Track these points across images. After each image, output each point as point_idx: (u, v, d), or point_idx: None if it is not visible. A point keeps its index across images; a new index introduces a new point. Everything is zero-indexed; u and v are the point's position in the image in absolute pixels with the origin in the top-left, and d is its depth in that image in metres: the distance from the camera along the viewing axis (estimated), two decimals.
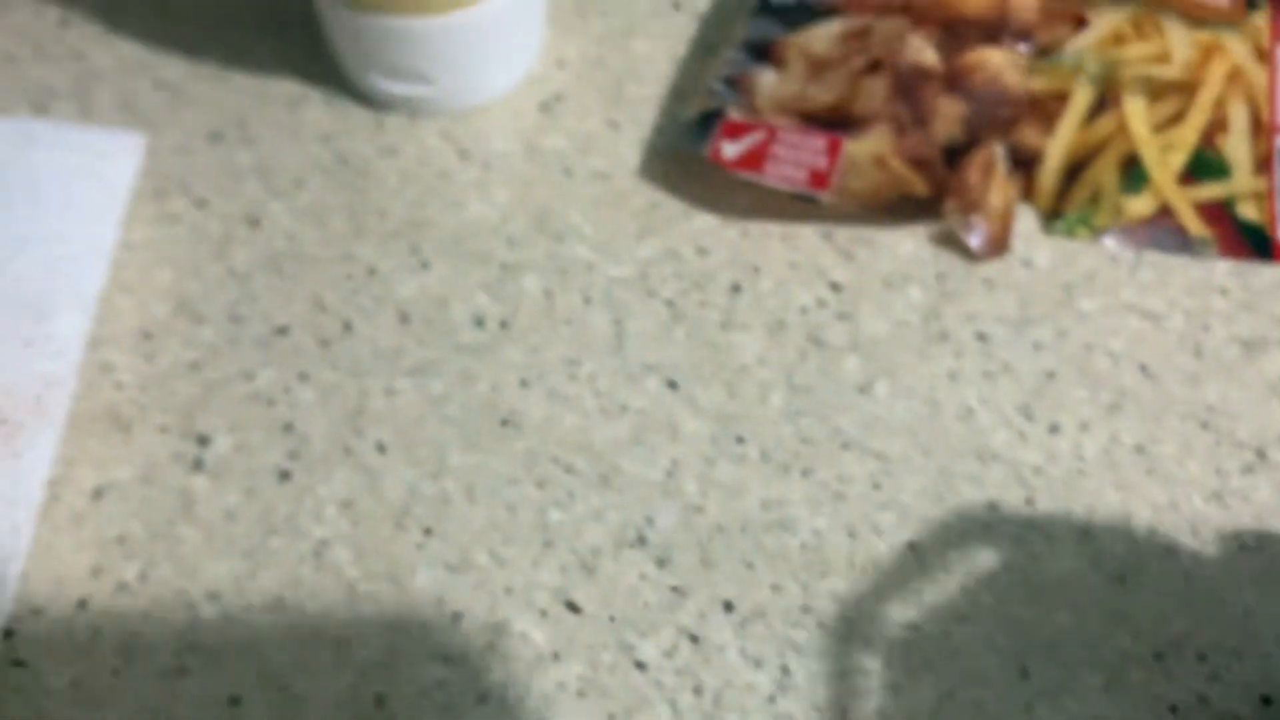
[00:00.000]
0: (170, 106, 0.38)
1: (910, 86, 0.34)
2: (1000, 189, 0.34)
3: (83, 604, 0.29)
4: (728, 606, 0.29)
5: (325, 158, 0.37)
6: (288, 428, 0.32)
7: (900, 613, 0.29)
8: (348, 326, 0.34)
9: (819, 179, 0.34)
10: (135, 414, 0.32)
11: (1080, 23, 0.39)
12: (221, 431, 0.32)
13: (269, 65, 0.39)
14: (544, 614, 0.29)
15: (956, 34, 0.34)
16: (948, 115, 0.34)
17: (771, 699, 0.28)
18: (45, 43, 0.39)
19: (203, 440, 0.32)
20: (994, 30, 0.34)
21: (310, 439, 0.32)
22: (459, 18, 0.34)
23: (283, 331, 0.34)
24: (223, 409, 0.32)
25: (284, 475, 0.31)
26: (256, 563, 0.30)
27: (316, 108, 0.38)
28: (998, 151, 0.34)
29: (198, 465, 0.31)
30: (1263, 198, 0.36)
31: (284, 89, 0.39)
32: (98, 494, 0.31)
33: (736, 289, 0.34)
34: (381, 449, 0.32)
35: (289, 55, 0.39)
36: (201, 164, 0.37)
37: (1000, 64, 0.34)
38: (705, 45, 0.40)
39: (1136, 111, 0.38)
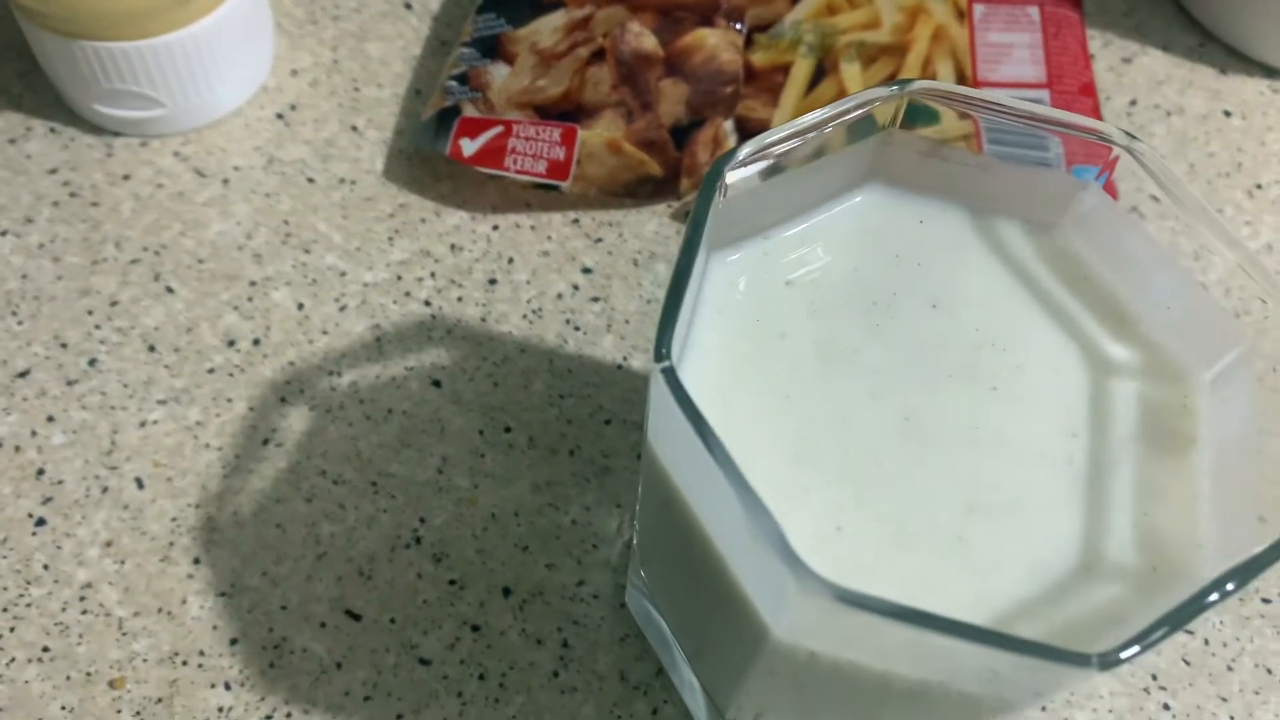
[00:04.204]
0: None
1: (634, 73, 0.35)
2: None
3: None
4: (505, 591, 0.30)
5: (54, 191, 0.36)
6: (39, 473, 0.31)
7: None
8: (93, 362, 0.33)
9: (558, 169, 0.35)
10: None
11: None
12: None
13: None
14: (323, 626, 0.29)
15: (673, 18, 0.36)
16: (671, 97, 0.35)
17: (555, 674, 0.29)
18: None
19: None
20: (708, 12, 0.36)
21: (65, 482, 0.31)
22: (176, 37, 0.34)
23: (24, 375, 0.32)
24: None
25: (39, 522, 0.30)
26: (16, 616, 0.29)
27: (41, 140, 0.37)
28: (725, 127, 0.36)
29: None
30: (970, 137, 0.39)
31: (4, 122, 0.37)
32: None
33: (493, 282, 0.35)
34: (140, 483, 0.31)
35: (7, 88, 0.38)
36: None
37: (716, 44, 0.36)
38: (439, 44, 0.40)
39: (853, 76, 0.40)
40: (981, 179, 0.25)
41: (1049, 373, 0.23)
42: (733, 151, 0.21)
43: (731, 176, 0.21)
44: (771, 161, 0.22)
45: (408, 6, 0.41)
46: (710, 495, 0.19)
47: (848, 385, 0.22)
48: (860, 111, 0.23)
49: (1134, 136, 0.23)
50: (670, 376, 0.19)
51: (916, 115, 0.39)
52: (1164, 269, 0.23)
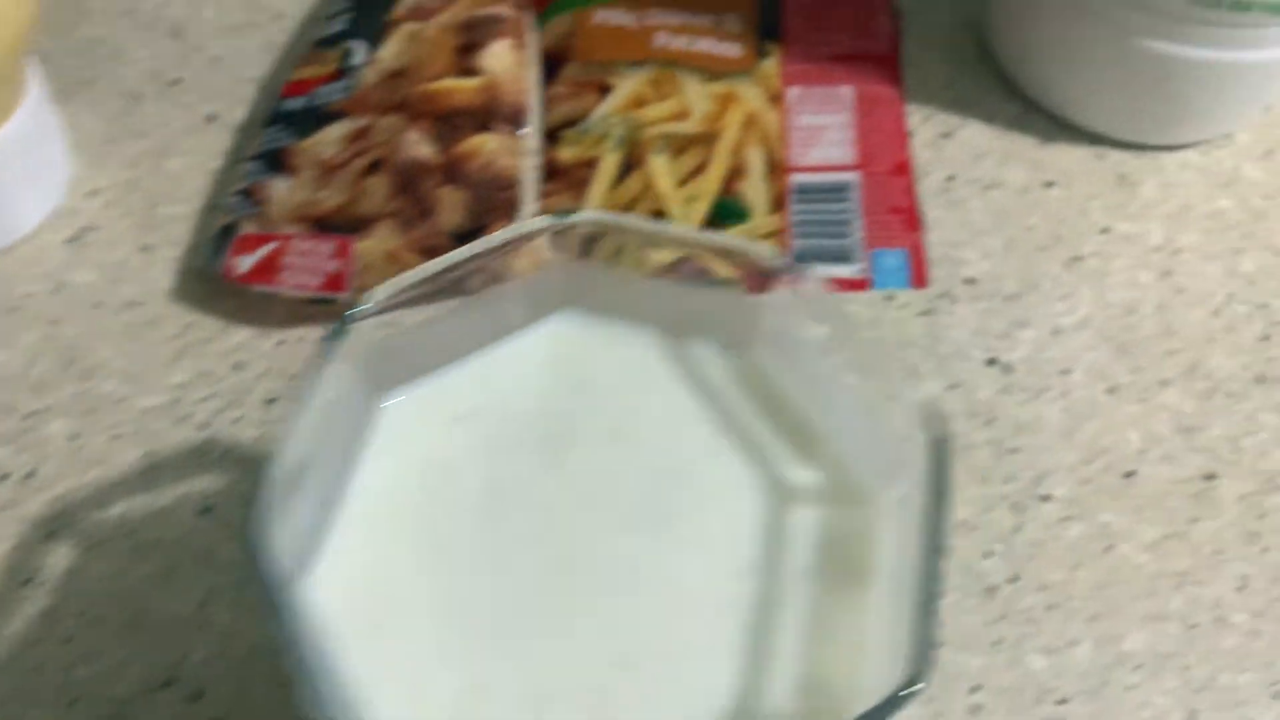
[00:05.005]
0: None
1: (411, 181, 0.35)
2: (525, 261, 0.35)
3: None
4: None
5: None
6: None
7: None
8: None
9: (335, 281, 0.34)
10: None
11: (604, 90, 0.41)
12: None
13: None
14: None
15: (451, 125, 0.36)
16: (449, 204, 0.35)
17: None
18: None
19: None
20: (485, 118, 0.36)
21: None
22: None
23: None
24: None
25: None
26: None
27: None
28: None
29: None
30: (777, 234, 0.38)
31: None
32: None
33: (271, 402, 0.34)
34: None
35: None
36: None
37: (494, 149, 0.35)
38: (238, 156, 0.40)
39: (660, 169, 0.40)
40: (674, 301, 0.24)
41: (727, 506, 0.22)
42: (357, 308, 0.20)
43: (369, 325, 0.21)
44: (418, 300, 0.21)
45: (210, 119, 0.41)
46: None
47: (513, 527, 0.22)
48: (509, 246, 0.22)
49: (791, 256, 0.22)
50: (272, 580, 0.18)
51: (728, 214, 0.39)
52: (847, 388, 0.22)
